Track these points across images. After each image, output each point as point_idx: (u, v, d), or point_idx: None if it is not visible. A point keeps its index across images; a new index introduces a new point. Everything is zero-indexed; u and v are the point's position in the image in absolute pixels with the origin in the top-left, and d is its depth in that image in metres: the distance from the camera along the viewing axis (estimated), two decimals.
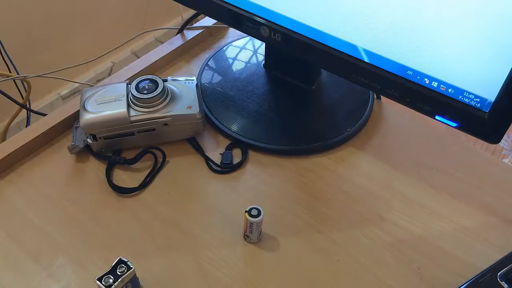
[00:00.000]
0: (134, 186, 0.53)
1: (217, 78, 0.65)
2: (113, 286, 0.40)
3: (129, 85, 0.55)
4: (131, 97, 0.54)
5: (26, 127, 0.59)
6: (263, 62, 0.66)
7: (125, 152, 0.57)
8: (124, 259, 0.41)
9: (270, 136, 0.58)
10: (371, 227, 0.50)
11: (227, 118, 0.60)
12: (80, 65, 0.72)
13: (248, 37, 0.71)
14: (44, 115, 0.61)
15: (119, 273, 0.40)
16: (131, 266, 0.41)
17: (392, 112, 0.62)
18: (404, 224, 0.51)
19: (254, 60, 0.68)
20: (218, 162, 0.56)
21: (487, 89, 0.41)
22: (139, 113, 0.53)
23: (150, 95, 0.53)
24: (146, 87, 0.54)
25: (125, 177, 0.54)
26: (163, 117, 0.54)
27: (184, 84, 0.57)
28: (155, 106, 0.54)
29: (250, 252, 0.48)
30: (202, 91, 0.63)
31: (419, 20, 0.41)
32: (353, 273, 0.47)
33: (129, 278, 0.41)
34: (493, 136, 0.43)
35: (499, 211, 0.52)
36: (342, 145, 0.58)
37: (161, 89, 0.54)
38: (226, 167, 0.55)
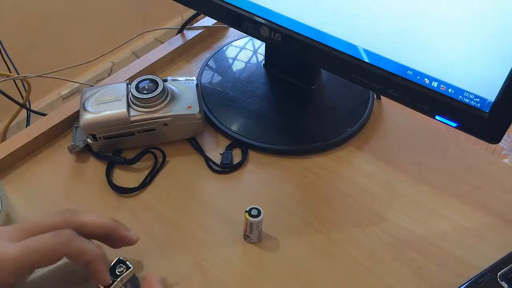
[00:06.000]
0: (134, 186, 0.53)
1: (217, 78, 0.65)
2: (112, 286, 0.40)
3: (129, 85, 0.55)
4: (131, 97, 0.54)
5: (26, 127, 0.59)
6: (263, 62, 0.66)
7: (125, 152, 0.57)
8: (123, 259, 0.41)
9: (270, 136, 0.58)
10: (371, 227, 0.50)
11: (227, 118, 0.60)
12: (80, 65, 0.72)
13: (248, 37, 0.71)
14: (44, 115, 0.61)
15: (118, 273, 0.40)
16: (130, 266, 0.41)
17: (392, 112, 0.62)
18: (404, 224, 0.51)
19: (254, 60, 0.68)
20: (218, 162, 0.56)
21: (487, 89, 0.41)
22: (139, 113, 0.53)
23: (150, 95, 0.53)
24: (146, 87, 0.54)
25: (125, 177, 0.54)
26: (163, 117, 0.54)
27: (184, 84, 0.57)
28: (155, 106, 0.54)
29: (250, 252, 0.48)
30: (202, 91, 0.63)
31: (419, 20, 0.41)
32: (353, 273, 0.47)
33: (128, 277, 0.41)
34: (493, 136, 0.43)
35: (499, 211, 0.52)
36: (342, 145, 0.58)
37: (161, 89, 0.54)
38: (226, 167, 0.55)
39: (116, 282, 0.40)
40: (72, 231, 0.38)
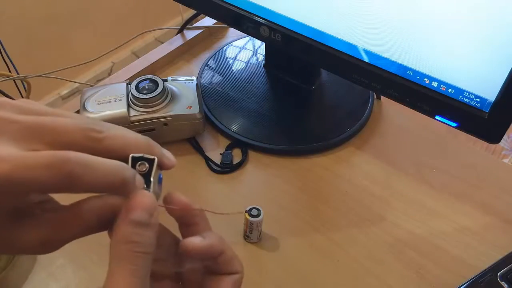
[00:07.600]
0: None
1: (217, 78, 0.65)
2: (151, 189, 0.31)
3: (129, 85, 0.55)
4: (131, 97, 0.54)
5: None
6: (263, 62, 0.66)
7: None
8: (137, 155, 0.30)
9: (270, 136, 0.58)
10: (371, 227, 0.50)
11: (227, 118, 0.60)
12: (80, 65, 0.72)
13: (248, 37, 0.71)
14: None
15: (141, 171, 0.31)
16: (151, 157, 0.31)
17: (392, 112, 0.62)
18: (404, 224, 0.51)
19: (254, 60, 0.68)
20: (218, 162, 0.56)
21: (487, 89, 0.41)
22: (139, 113, 0.53)
23: (150, 95, 0.53)
24: (146, 87, 0.54)
25: None
26: (163, 117, 0.54)
27: (184, 84, 0.57)
28: (155, 106, 0.54)
29: (250, 252, 0.48)
30: (202, 91, 0.63)
31: (419, 20, 0.41)
32: (353, 273, 0.47)
33: (157, 172, 0.33)
34: (493, 136, 0.43)
35: (499, 211, 0.52)
36: (342, 145, 0.58)
37: (161, 89, 0.54)
38: (226, 167, 0.55)
39: (151, 183, 0.31)
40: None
